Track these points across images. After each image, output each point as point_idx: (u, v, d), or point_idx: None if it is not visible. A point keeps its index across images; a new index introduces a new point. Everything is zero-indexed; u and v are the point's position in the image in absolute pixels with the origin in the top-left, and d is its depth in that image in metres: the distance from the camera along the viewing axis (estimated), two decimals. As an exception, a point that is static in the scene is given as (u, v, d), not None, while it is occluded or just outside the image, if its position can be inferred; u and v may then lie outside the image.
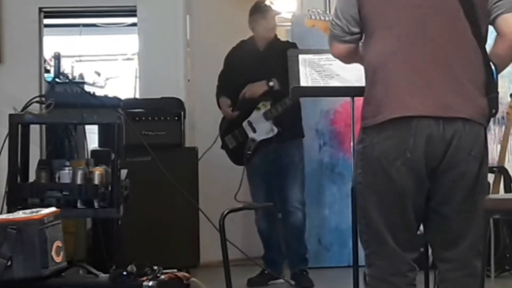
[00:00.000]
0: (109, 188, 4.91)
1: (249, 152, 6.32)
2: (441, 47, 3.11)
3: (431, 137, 3.07)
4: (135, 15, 7.42)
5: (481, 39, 3.15)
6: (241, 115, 6.31)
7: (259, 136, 6.26)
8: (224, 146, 6.45)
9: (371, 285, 3.24)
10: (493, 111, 3.18)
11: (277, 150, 6.25)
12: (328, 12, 6.86)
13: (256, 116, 6.27)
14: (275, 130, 6.20)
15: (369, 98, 3.19)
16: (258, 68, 6.26)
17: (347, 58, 3.37)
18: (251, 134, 6.29)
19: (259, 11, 6.41)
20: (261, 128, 6.25)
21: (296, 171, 6.28)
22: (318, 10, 3.81)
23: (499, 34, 3.19)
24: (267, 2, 6.67)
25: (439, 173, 3.12)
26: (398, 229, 3.16)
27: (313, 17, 3.81)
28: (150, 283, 3.86)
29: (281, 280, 6.33)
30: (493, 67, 3.15)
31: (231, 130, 6.38)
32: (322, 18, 3.81)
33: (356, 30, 3.23)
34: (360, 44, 3.30)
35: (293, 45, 6.12)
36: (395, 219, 3.15)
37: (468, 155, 3.12)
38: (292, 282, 6.24)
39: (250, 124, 6.30)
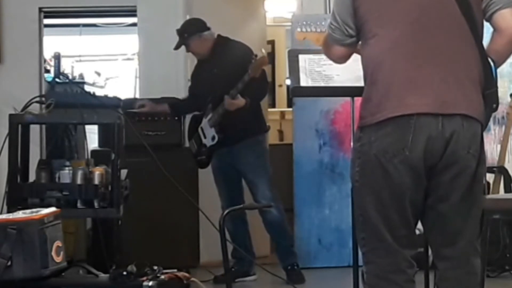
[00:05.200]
0: (109, 188, 4.91)
1: (201, 158, 6.32)
2: (439, 44, 3.13)
3: (430, 135, 3.08)
4: (135, 15, 7.42)
5: (478, 36, 3.17)
6: (199, 119, 6.33)
7: (208, 142, 6.25)
8: (190, 151, 6.49)
9: (369, 283, 3.23)
10: (494, 106, 3.19)
11: (229, 154, 6.22)
12: (328, 13, 6.89)
13: (204, 122, 6.27)
14: (216, 138, 6.18)
15: (368, 97, 3.19)
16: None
17: (344, 60, 3.40)
18: (203, 140, 6.29)
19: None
20: (208, 134, 6.23)
21: (256, 171, 6.21)
22: (309, 22, 3.74)
23: (496, 30, 3.20)
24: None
25: (438, 171, 3.12)
26: (396, 226, 3.16)
27: (303, 29, 3.75)
28: (150, 283, 3.86)
29: (250, 278, 6.34)
30: (491, 63, 3.17)
31: (192, 135, 6.41)
32: (314, 29, 3.75)
33: (354, 32, 3.25)
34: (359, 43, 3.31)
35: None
36: (393, 216, 3.15)
37: (467, 153, 3.12)
38: (284, 277, 6.24)
39: (202, 130, 6.29)
